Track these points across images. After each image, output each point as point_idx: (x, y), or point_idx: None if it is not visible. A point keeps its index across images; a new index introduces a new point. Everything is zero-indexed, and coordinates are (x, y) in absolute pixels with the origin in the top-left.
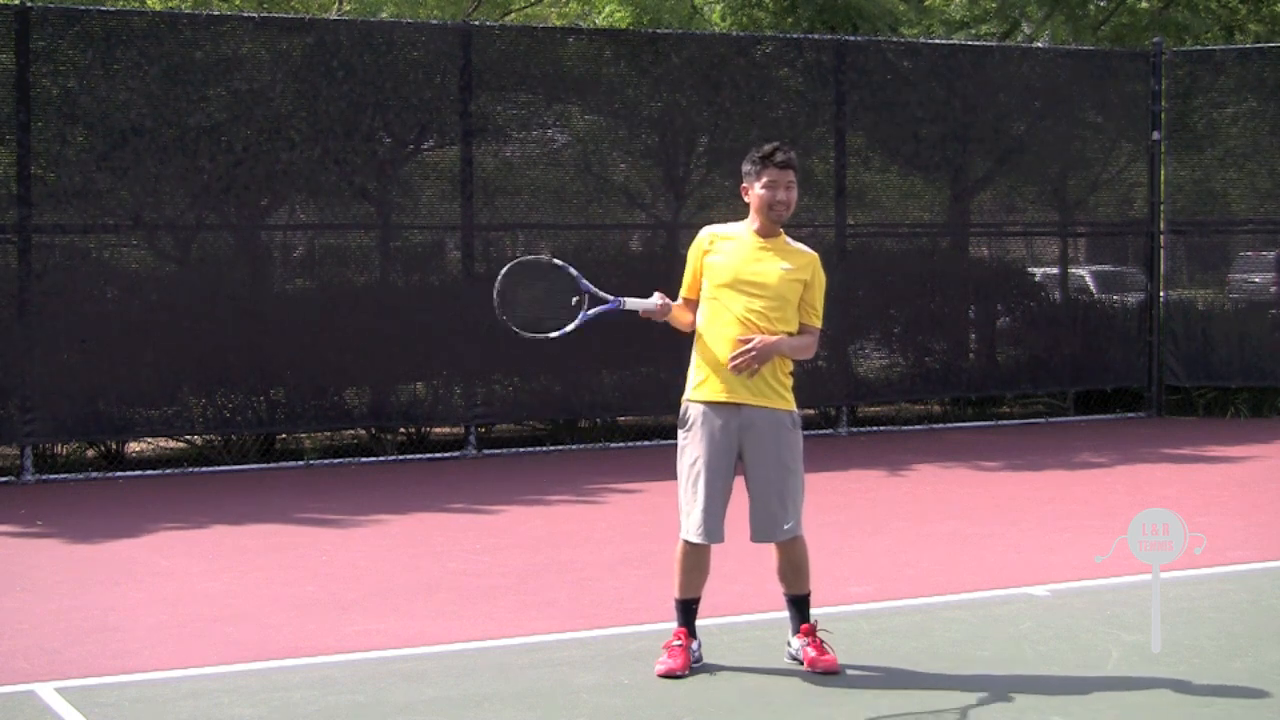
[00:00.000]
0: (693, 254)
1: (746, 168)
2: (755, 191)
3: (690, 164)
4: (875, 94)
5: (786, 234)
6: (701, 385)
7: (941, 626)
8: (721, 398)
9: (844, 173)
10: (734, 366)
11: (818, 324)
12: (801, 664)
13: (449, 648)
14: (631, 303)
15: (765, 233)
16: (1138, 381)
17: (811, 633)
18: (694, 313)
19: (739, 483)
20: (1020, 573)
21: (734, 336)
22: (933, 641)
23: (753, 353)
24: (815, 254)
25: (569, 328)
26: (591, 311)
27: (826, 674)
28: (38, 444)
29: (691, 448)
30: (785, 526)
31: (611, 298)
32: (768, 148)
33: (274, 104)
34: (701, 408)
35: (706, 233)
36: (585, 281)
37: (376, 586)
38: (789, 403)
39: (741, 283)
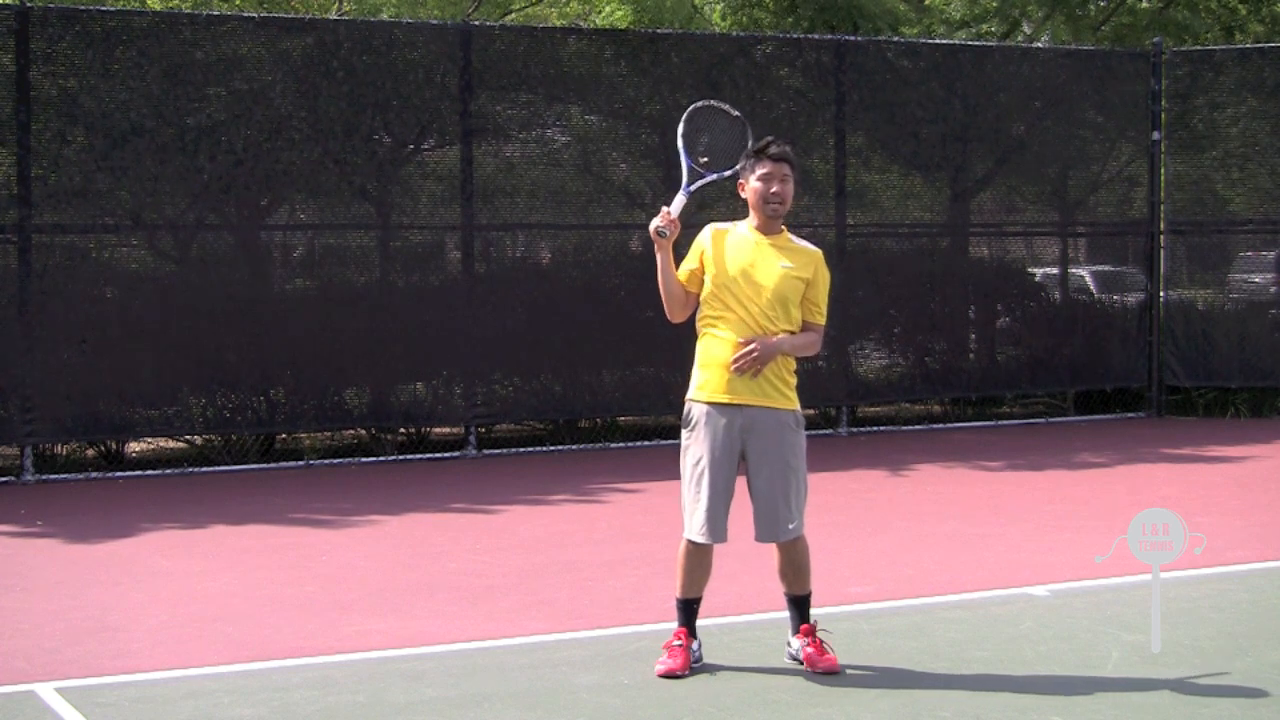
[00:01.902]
0: (694, 249)
1: (742, 163)
2: (750, 185)
3: None
4: (875, 94)
5: (790, 231)
6: (704, 385)
7: (941, 626)
8: (724, 398)
9: (844, 173)
10: (736, 369)
11: (821, 321)
12: (801, 664)
13: (449, 648)
14: (678, 200)
15: (766, 230)
16: (1138, 381)
17: (811, 633)
18: (688, 299)
19: (741, 483)
20: (1020, 573)
21: (735, 337)
22: (932, 641)
23: (754, 354)
24: (818, 251)
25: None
26: (688, 183)
27: (826, 674)
28: (38, 444)
29: (695, 447)
30: (790, 526)
31: (688, 187)
32: (763, 141)
33: (274, 104)
34: (705, 408)
35: (710, 230)
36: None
37: (376, 586)
38: (792, 402)
39: (742, 282)
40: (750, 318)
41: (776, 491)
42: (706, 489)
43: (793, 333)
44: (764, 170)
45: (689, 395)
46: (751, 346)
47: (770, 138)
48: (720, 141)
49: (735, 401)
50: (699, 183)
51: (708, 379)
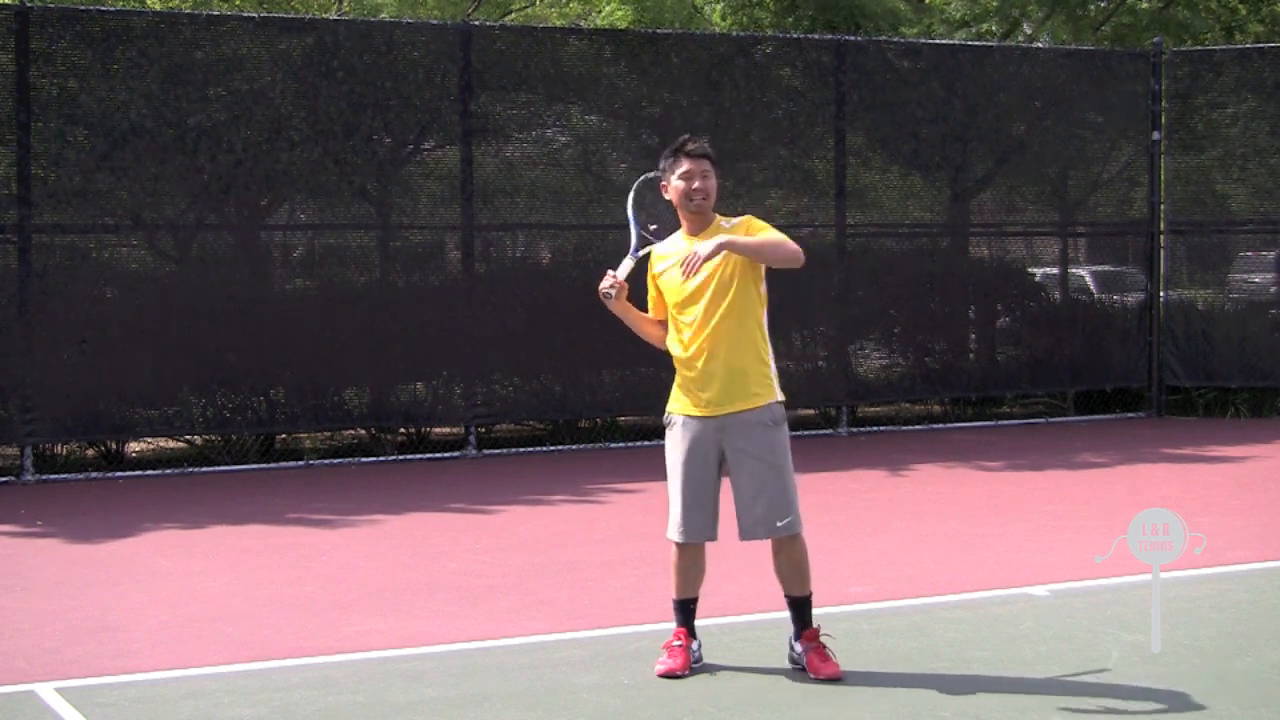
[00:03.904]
0: (649, 278)
1: (661, 164)
2: (672, 185)
3: None
4: (875, 94)
5: (732, 218)
6: (677, 399)
7: (941, 626)
8: (697, 412)
9: (844, 173)
10: (685, 273)
11: (777, 236)
12: (803, 669)
13: (449, 648)
14: (626, 262)
15: (695, 229)
16: (1138, 381)
17: (814, 639)
18: (663, 329)
19: (727, 483)
20: (1020, 573)
21: (693, 344)
22: (932, 641)
23: (694, 258)
24: (748, 216)
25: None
26: (636, 248)
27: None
28: (38, 444)
29: (672, 449)
30: (779, 523)
31: (635, 252)
32: (680, 139)
33: (274, 104)
34: (680, 415)
35: (652, 254)
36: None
37: (376, 586)
38: (768, 394)
39: (691, 293)
40: (705, 324)
41: (754, 490)
42: (681, 489)
43: (757, 320)
44: (684, 168)
45: (668, 404)
46: (691, 252)
47: (687, 135)
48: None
49: (710, 414)
50: (645, 249)
51: (680, 393)
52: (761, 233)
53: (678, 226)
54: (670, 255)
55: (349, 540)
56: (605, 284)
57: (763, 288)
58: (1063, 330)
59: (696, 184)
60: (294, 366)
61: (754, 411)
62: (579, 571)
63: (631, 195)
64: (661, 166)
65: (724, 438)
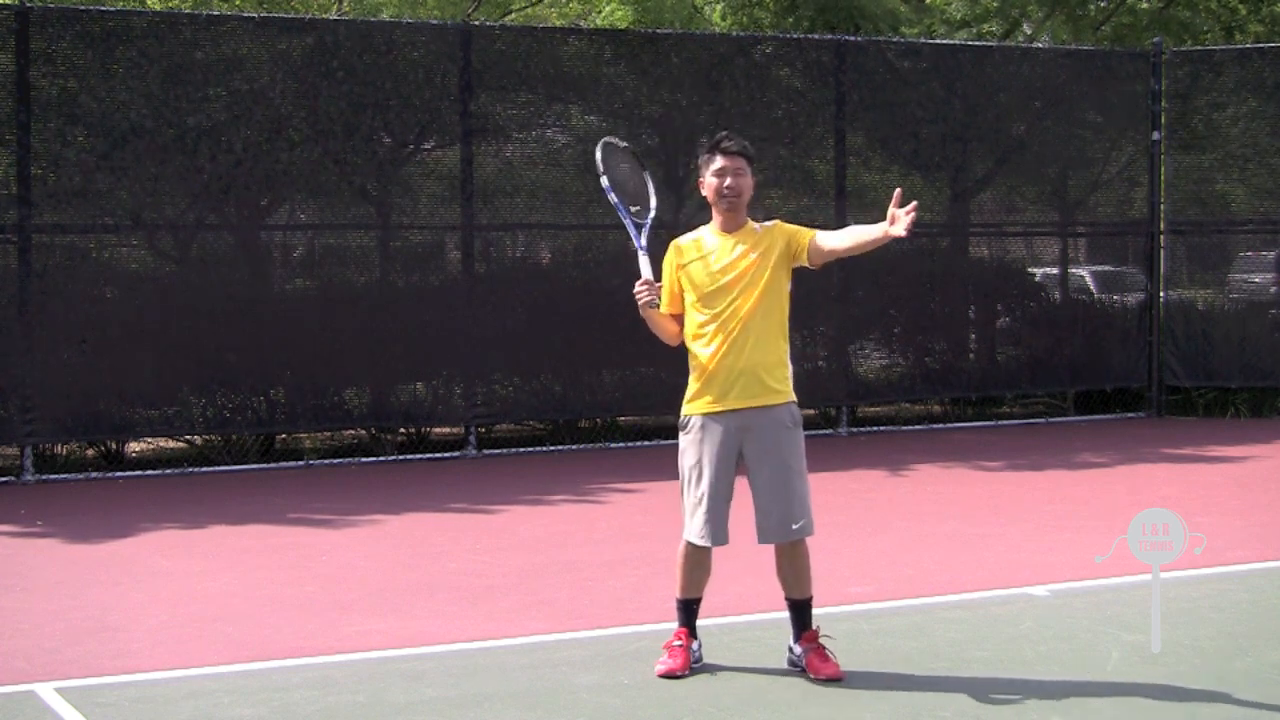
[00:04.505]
0: (666, 270)
1: (700, 159)
2: (707, 180)
3: (690, 164)
4: (875, 94)
5: (761, 223)
6: (696, 398)
7: (941, 626)
8: (717, 409)
9: (844, 173)
10: (902, 232)
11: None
12: (803, 671)
13: (449, 648)
14: (644, 262)
15: (729, 226)
16: (1138, 381)
17: (814, 640)
18: (678, 325)
19: (742, 485)
20: (1020, 573)
21: (720, 343)
22: (932, 641)
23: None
24: (777, 220)
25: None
26: (638, 236)
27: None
28: (38, 444)
29: (692, 450)
30: (794, 526)
31: (641, 242)
32: (718, 135)
33: (274, 104)
34: (700, 416)
35: (675, 246)
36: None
37: (376, 586)
38: (785, 393)
39: (717, 287)
40: (732, 319)
41: (776, 493)
42: (706, 491)
43: (780, 323)
44: (718, 165)
45: (684, 406)
46: (911, 206)
47: (725, 132)
48: (627, 183)
49: (730, 408)
50: (644, 233)
51: (698, 390)
52: (810, 232)
53: (641, 197)
54: (698, 245)
55: (349, 540)
56: (647, 295)
57: (790, 284)
58: (1063, 330)
59: (729, 181)
60: (294, 366)
61: (775, 409)
62: (579, 571)
63: (606, 182)
64: (699, 161)
65: (745, 437)
